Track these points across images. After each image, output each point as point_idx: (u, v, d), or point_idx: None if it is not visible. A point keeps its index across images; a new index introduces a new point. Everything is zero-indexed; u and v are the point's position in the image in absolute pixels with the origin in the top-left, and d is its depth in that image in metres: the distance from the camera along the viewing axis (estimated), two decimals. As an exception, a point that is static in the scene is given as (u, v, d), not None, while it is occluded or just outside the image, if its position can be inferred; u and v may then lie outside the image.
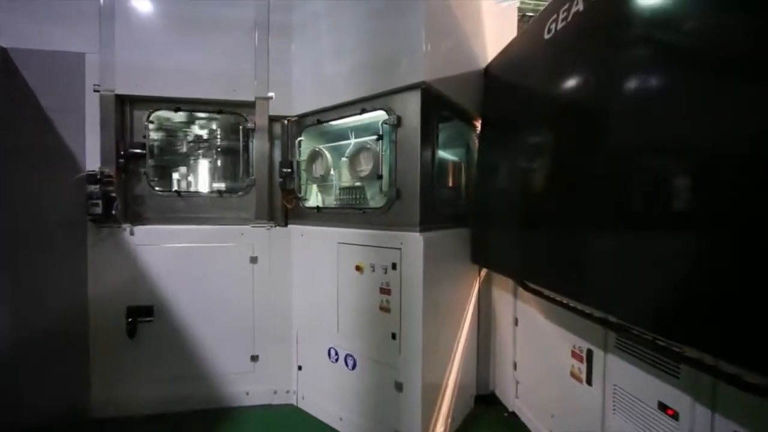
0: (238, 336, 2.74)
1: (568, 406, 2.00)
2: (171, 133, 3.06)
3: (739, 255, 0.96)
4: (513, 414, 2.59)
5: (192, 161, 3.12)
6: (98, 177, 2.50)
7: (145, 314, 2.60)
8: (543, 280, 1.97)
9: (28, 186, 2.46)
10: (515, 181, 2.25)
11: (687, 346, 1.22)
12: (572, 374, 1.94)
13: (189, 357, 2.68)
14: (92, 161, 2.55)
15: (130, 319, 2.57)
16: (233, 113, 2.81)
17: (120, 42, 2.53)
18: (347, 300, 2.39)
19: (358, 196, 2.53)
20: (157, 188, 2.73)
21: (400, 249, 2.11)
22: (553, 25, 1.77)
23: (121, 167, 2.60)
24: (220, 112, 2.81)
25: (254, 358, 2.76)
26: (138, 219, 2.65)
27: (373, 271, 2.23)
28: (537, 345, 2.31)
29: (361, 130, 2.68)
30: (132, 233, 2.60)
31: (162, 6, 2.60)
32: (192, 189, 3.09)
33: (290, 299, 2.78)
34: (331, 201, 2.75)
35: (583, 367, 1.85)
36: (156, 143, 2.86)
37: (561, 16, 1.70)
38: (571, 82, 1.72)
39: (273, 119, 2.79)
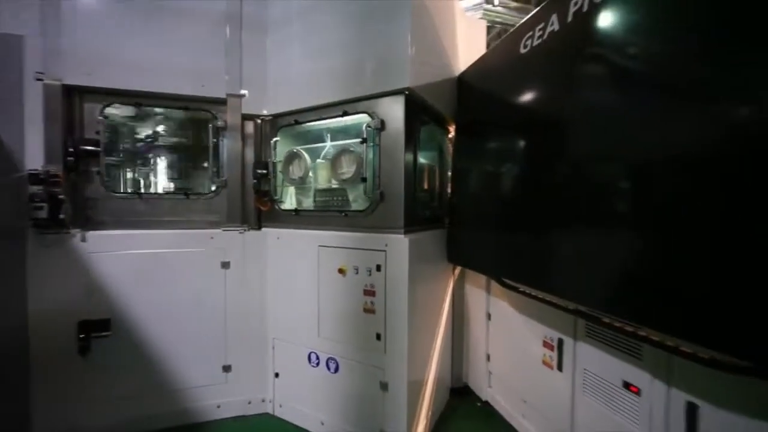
0: (208, 346, 2.58)
1: (540, 391, 2.18)
2: (129, 129, 2.79)
3: (674, 246, 1.15)
4: (486, 403, 2.75)
5: (153, 160, 2.88)
6: (42, 177, 2.21)
7: (100, 329, 2.35)
8: (516, 275, 2.13)
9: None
10: (488, 184, 2.40)
11: (641, 326, 1.41)
12: (544, 362, 2.11)
13: (152, 372, 2.47)
14: (33, 159, 2.25)
15: (82, 335, 2.31)
16: (201, 110, 2.64)
17: (68, 25, 2.27)
18: (329, 303, 2.37)
19: (338, 199, 2.52)
20: (112, 190, 2.48)
21: (385, 251, 2.14)
22: (529, 41, 1.92)
23: (70, 166, 2.32)
24: (185, 108, 2.63)
25: (226, 369, 2.62)
26: (90, 224, 2.39)
27: (357, 273, 2.24)
28: (510, 337, 2.49)
29: (338, 132, 2.68)
30: (84, 239, 2.34)
31: (120, -9, 2.38)
32: (153, 190, 2.86)
33: (265, 305, 2.68)
34: (309, 203, 2.70)
35: (554, 354, 2.04)
36: (111, 140, 2.60)
37: (537, 34, 1.86)
38: (542, 95, 1.88)
39: (245, 118, 2.68)
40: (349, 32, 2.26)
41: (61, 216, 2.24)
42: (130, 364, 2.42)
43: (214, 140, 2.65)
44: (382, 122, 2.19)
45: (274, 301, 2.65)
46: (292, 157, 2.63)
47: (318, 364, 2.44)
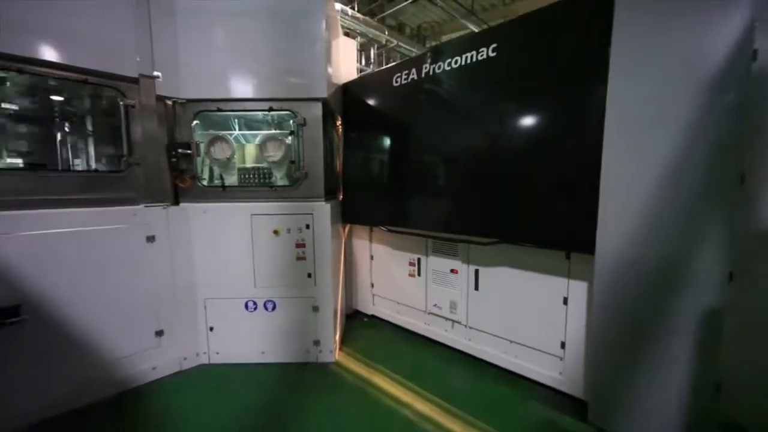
0: (139, 315, 2.76)
1: (408, 293, 3.61)
2: (22, 98, 2.43)
3: (463, 194, 2.65)
4: (372, 316, 4.05)
5: (53, 133, 2.60)
6: None
7: (8, 315, 2.21)
8: (389, 222, 3.42)
9: None
10: (368, 165, 3.56)
11: (455, 235, 2.94)
12: (410, 275, 3.53)
13: (74, 351, 2.48)
14: None
15: (-15, 326, 2.13)
16: (106, 86, 2.61)
17: None
18: (265, 258, 3.02)
19: (264, 176, 3.11)
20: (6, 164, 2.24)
21: (312, 214, 2.99)
22: (398, 79, 3.12)
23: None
24: (85, 82, 2.54)
25: (159, 333, 2.86)
26: (-26, 204, 2.14)
27: (289, 232, 3.00)
28: (386, 266, 3.81)
29: (253, 121, 3.21)
30: (-29, 222, 2.10)
31: (-6, -62, 2.10)
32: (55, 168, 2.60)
33: (194, 272, 3.01)
34: (233, 180, 3.14)
35: (415, 268, 3.47)
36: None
37: (404, 76, 3.07)
38: (402, 111, 3.14)
39: (158, 99, 2.81)
40: (274, 46, 2.86)
41: (-54, 196, 1.97)
42: (48, 348, 2.37)
43: (125, 119, 2.68)
44: (305, 119, 2.96)
45: (203, 266, 3.02)
46: (215, 139, 3.00)
47: (256, 308, 3.06)
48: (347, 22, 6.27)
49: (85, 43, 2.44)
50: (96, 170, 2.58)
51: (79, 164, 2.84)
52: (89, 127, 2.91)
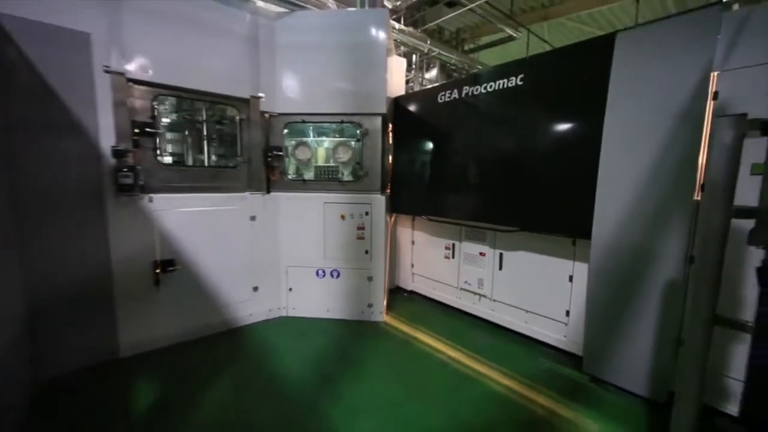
0: (242, 274, 3.73)
1: (444, 272, 4.36)
2: (177, 115, 3.49)
3: (495, 191, 3.34)
4: (411, 292, 4.85)
5: (192, 139, 3.65)
6: (122, 151, 2.89)
7: (168, 266, 3.23)
8: (430, 213, 4.17)
9: (50, 156, 2.63)
10: (413, 163, 4.32)
11: (485, 223, 3.64)
12: (445, 257, 4.28)
13: (206, 295, 3.49)
14: (105, 137, 2.88)
15: (157, 271, 3.15)
16: (228, 105, 3.58)
17: (130, 26, 2.89)
18: (333, 236, 3.89)
19: (333, 173, 3.98)
20: (165, 162, 3.25)
21: (370, 204, 3.82)
22: (443, 97, 3.86)
23: (136, 143, 3.02)
24: (216, 102, 3.52)
25: (255, 289, 3.83)
26: (151, 189, 3.15)
27: (352, 218, 3.85)
28: (425, 251, 4.58)
29: (324, 129, 4.08)
30: (151, 201, 3.12)
31: (171, 4, 3.07)
32: (195, 164, 3.65)
33: (279, 245, 3.95)
34: (311, 175, 4.05)
35: (450, 252, 4.21)
36: (164, 123, 3.31)
37: (447, 94, 3.80)
38: (445, 122, 3.87)
39: (261, 113, 3.75)
40: (343, 71, 3.69)
41: (141, 182, 2.99)
42: (188, 291, 3.39)
43: (239, 129, 3.65)
44: (367, 130, 3.78)
45: (287, 241, 3.95)
46: (299, 144, 3.90)
47: (324, 275, 3.96)
48: (394, 35, 7.03)
49: (218, 75, 3.40)
50: (218, 166, 3.55)
51: (206, 162, 3.85)
52: (213, 134, 3.91)
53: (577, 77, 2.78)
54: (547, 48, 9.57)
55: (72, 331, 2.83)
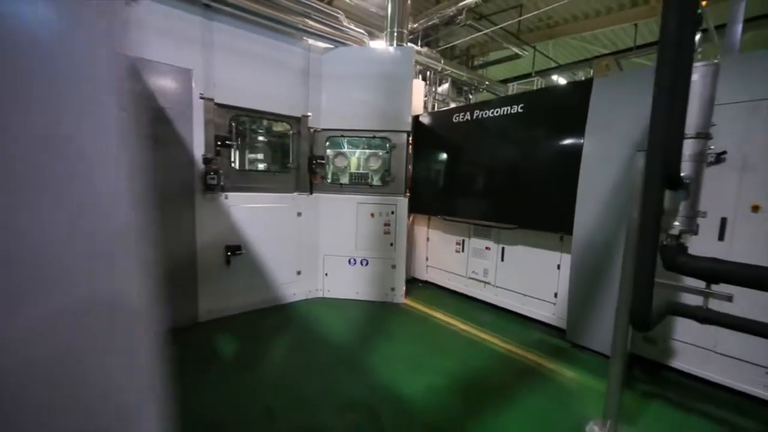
0: (289, 260, 4.55)
1: (454, 264, 5.15)
2: (246, 131, 4.38)
3: (500, 195, 4.14)
4: (425, 282, 5.64)
5: (256, 150, 4.53)
6: (210, 159, 3.75)
7: (236, 250, 4.06)
8: (444, 213, 4.97)
9: (165, 163, 3.50)
10: (429, 171, 5.13)
11: (490, 222, 4.43)
12: (455, 251, 5.07)
13: (262, 275, 4.32)
14: (197, 148, 3.74)
15: (228, 253, 3.99)
16: (283, 122, 4.43)
17: (217, 62, 3.76)
18: (363, 231, 4.70)
19: (365, 178, 4.81)
20: (236, 167, 4.11)
21: (396, 204, 4.63)
22: (457, 118, 4.67)
23: (219, 153, 3.87)
24: (277, 120, 4.38)
25: (299, 272, 4.65)
26: (226, 189, 3.99)
27: (381, 216, 4.66)
28: (439, 246, 5.37)
29: (356, 142, 4.92)
30: (227, 198, 3.97)
31: (247, 45, 3.93)
32: (256, 169, 4.53)
33: (318, 237, 4.78)
34: (346, 180, 4.87)
35: (460, 246, 5.00)
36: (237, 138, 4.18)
37: (461, 116, 4.62)
38: (459, 138, 4.68)
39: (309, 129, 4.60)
40: (376, 96, 4.53)
41: (222, 183, 3.84)
42: (250, 271, 4.21)
43: (290, 141, 4.50)
44: (395, 144, 4.61)
45: (325, 234, 4.77)
46: (338, 154, 4.74)
47: (355, 263, 4.77)
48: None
49: (280, 99, 4.26)
50: (275, 171, 4.40)
51: (265, 167, 4.70)
52: (272, 146, 4.77)
53: (564, 110, 3.58)
54: (552, 65, 10.42)
55: (168, 299, 3.67)
